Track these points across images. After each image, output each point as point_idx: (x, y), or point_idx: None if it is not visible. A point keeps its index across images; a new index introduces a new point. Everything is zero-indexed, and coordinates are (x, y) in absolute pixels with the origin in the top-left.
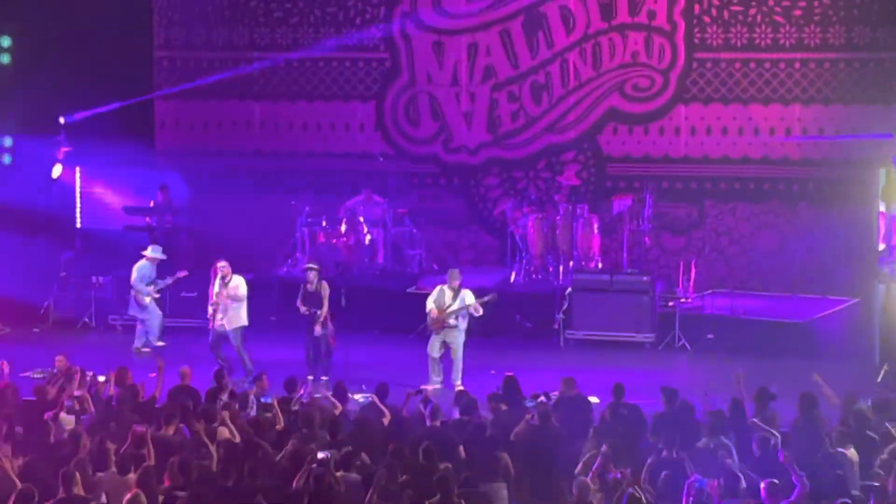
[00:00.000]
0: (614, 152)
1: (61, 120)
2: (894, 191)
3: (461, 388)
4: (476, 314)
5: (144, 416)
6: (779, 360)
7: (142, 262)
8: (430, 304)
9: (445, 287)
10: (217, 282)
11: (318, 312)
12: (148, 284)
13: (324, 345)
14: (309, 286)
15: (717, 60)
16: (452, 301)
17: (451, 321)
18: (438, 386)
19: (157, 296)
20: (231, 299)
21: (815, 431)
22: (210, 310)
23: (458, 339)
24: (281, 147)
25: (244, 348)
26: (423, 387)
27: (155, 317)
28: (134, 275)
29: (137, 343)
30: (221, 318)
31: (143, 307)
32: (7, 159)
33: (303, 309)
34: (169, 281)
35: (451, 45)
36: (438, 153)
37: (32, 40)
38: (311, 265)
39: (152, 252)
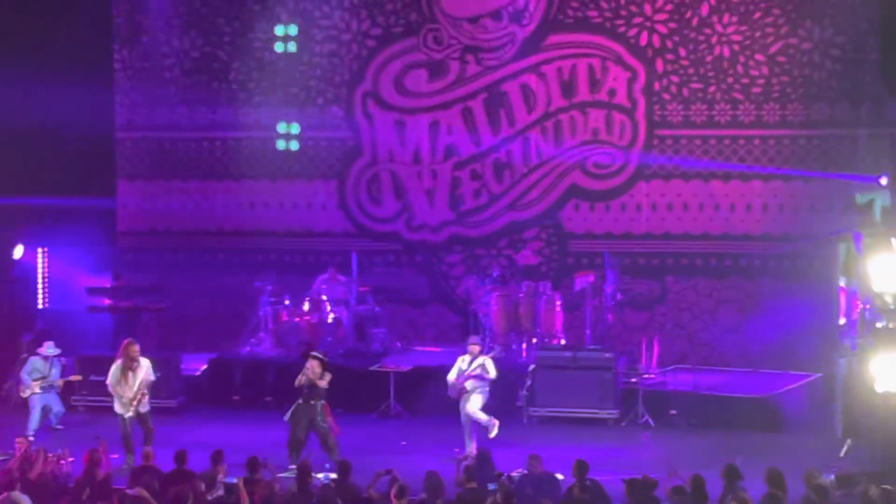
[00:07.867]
0: (576, 229)
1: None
2: (854, 266)
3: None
4: (488, 375)
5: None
6: (742, 436)
7: (35, 357)
8: (452, 374)
9: (466, 355)
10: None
11: (320, 404)
12: (35, 380)
13: (330, 437)
14: (311, 375)
15: (678, 137)
16: (468, 367)
17: (467, 385)
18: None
19: (38, 391)
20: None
21: None
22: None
23: (471, 404)
24: (243, 226)
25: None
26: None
27: (35, 410)
28: (27, 367)
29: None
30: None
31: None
32: None
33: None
34: (58, 381)
35: (413, 124)
36: (401, 231)
37: None
38: (315, 353)
39: (46, 350)
